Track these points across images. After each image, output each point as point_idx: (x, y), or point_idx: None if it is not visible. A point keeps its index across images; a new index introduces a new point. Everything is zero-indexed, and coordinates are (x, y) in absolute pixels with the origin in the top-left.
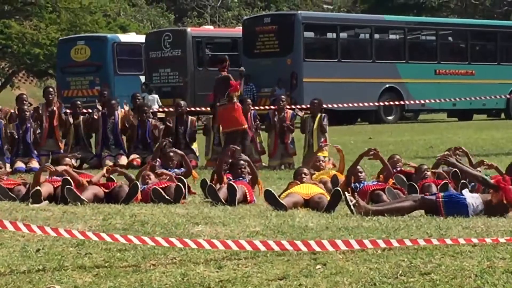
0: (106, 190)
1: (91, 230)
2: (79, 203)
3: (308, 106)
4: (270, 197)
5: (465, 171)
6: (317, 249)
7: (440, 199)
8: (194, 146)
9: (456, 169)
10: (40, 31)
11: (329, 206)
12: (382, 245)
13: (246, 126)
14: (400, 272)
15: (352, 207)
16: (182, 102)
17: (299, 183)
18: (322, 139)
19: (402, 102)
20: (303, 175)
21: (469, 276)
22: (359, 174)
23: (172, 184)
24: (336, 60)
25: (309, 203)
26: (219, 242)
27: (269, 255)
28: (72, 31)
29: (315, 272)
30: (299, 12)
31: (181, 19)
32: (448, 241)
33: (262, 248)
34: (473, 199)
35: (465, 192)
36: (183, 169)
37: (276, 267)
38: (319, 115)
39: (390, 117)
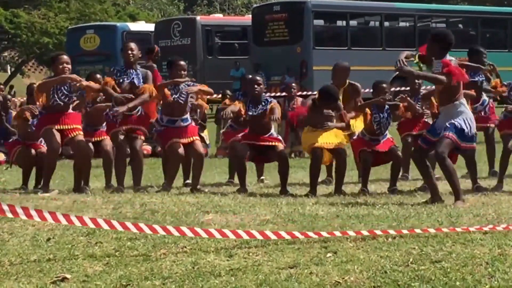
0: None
1: (101, 218)
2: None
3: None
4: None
5: (419, 75)
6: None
7: (451, 134)
8: (205, 134)
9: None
10: (49, 20)
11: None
12: (392, 232)
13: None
14: (411, 260)
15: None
16: None
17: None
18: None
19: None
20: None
21: (480, 264)
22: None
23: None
24: (346, 48)
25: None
26: (229, 232)
27: (279, 244)
28: (81, 20)
29: (326, 260)
30: (308, 0)
31: (190, 7)
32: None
33: (273, 237)
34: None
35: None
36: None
37: (287, 256)
38: None
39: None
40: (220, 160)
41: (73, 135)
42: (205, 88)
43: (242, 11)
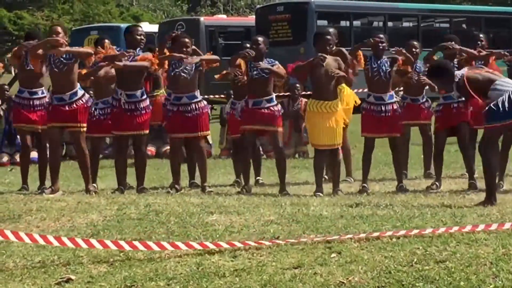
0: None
1: (105, 220)
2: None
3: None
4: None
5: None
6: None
7: (489, 125)
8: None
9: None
10: (53, 22)
11: None
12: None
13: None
14: (415, 260)
15: None
16: None
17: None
18: None
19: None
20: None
21: (484, 264)
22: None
23: None
24: (349, 48)
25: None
26: (226, 244)
27: (283, 244)
28: (85, 21)
29: (330, 260)
30: (312, 0)
31: (194, 8)
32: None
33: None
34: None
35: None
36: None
37: (291, 256)
38: None
39: None
40: (224, 160)
41: (74, 133)
42: (207, 56)
43: (245, 12)
